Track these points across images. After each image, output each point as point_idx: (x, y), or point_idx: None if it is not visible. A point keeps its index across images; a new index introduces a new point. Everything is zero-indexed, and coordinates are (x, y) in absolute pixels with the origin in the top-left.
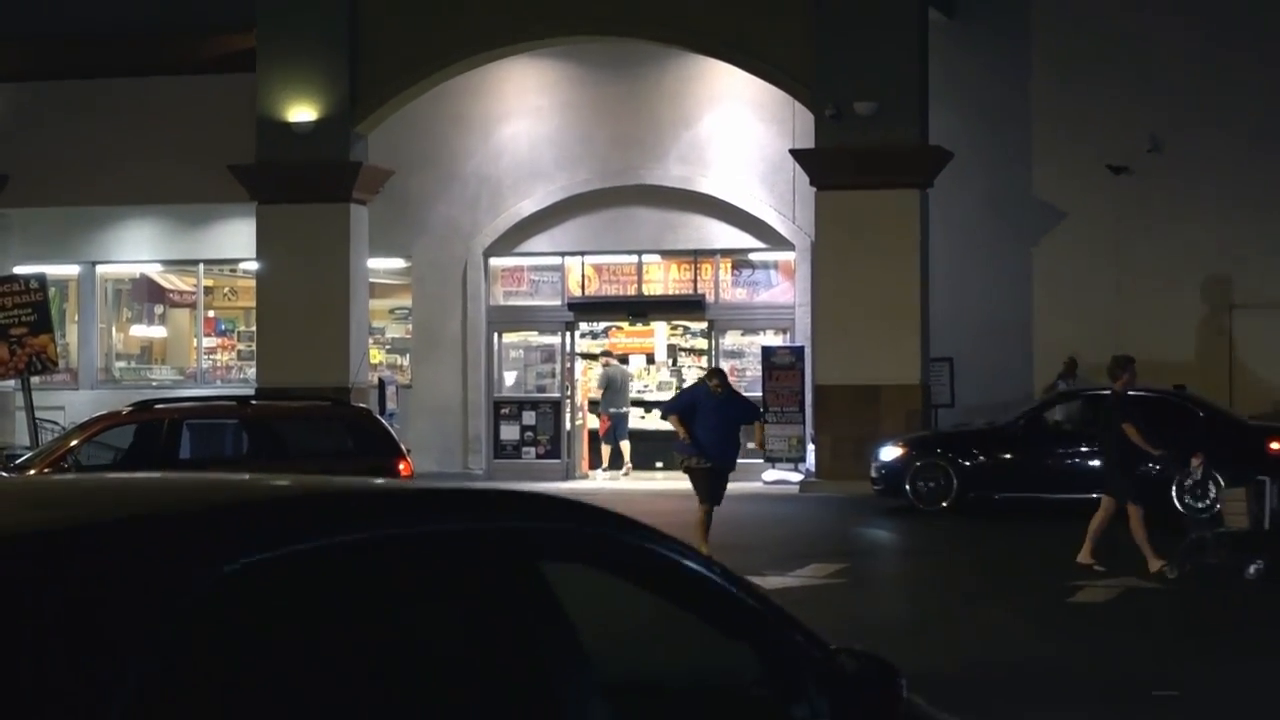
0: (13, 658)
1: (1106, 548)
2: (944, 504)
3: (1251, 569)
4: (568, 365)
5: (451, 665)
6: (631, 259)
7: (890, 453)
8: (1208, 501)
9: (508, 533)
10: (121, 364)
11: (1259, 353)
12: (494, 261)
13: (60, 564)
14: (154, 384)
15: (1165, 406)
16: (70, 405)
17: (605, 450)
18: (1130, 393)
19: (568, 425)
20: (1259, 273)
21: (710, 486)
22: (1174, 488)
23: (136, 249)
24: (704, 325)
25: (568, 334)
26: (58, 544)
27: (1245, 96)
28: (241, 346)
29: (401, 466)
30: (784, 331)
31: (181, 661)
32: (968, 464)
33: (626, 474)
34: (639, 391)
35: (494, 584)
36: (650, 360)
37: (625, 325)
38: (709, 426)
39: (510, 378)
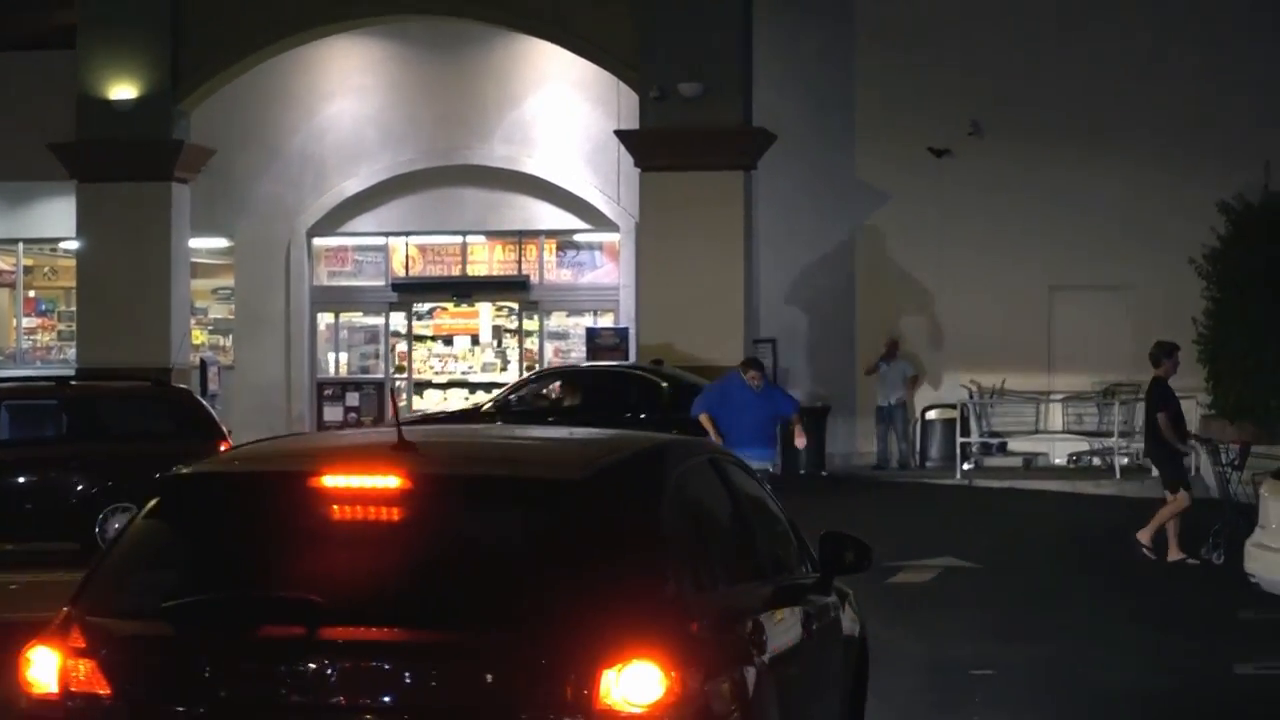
0: (629, 516)
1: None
2: None
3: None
4: (395, 346)
5: (742, 513)
6: (456, 239)
7: None
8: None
9: (716, 455)
10: None
11: (1077, 333)
12: (318, 241)
13: (633, 467)
14: None
15: (627, 378)
16: None
17: None
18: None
19: (390, 407)
20: (1077, 255)
21: None
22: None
23: None
24: (529, 306)
25: (391, 315)
26: (628, 462)
27: (1064, 80)
28: (62, 326)
29: (222, 448)
30: (609, 313)
31: (668, 510)
32: None
33: None
34: (463, 373)
35: (725, 475)
36: (475, 341)
37: (450, 306)
38: (744, 424)
39: (333, 359)
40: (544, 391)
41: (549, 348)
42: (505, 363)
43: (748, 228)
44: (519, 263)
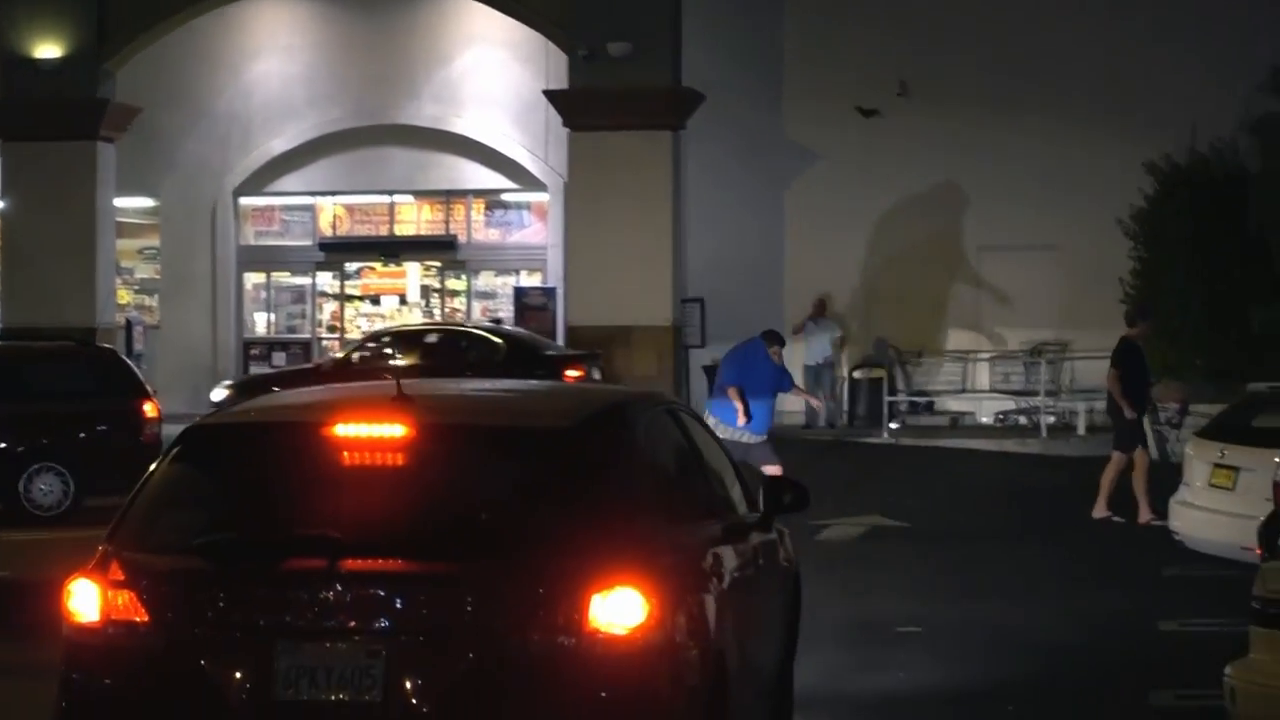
0: (609, 460)
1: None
2: None
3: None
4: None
5: (697, 457)
6: (384, 199)
7: (219, 394)
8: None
9: (672, 406)
10: None
11: (1005, 293)
12: (244, 201)
13: (611, 416)
14: None
15: (463, 337)
16: None
17: None
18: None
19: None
20: (1005, 215)
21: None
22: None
23: None
24: (456, 266)
25: (319, 274)
26: (606, 412)
27: (992, 41)
28: None
29: (147, 407)
30: (537, 272)
31: (640, 454)
32: None
33: None
34: None
35: (681, 424)
36: (403, 301)
37: (378, 266)
38: (763, 396)
39: (260, 318)
40: (385, 351)
41: (477, 307)
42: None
43: (676, 188)
44: (447, 222)
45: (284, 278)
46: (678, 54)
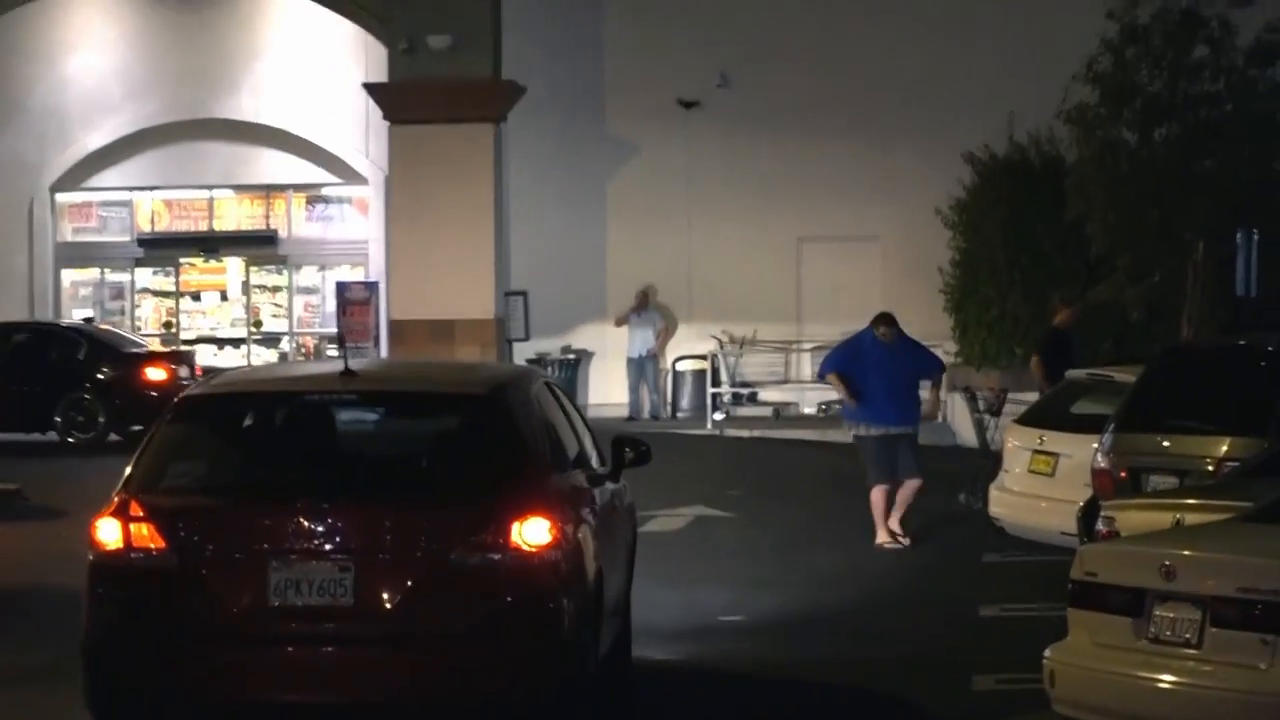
0: (517, 420)
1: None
2: None
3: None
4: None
5: (568, 420)
6: (203, 194)
7: None
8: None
9: (548, 379)
10: None
11: (826, 284)
12: (61, 197)
13: (514, 385)
14: None
15: (49, 336)
16: None
17: None
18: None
19: None
20: (825, 206)
21: (881, 459)
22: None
23: None
24: (278, 261)
25: (138, 270)
26: (510, 381)
27: (810, 32)
28: None
29: None
30: (359, 266)
31: (536, 416)
32: None
33: None
34: (210, 329)
35: (554, 393)
36: (224, 297)
37: (198, 262)
38: (876, 382)
39: (79, 315)
40: None
41: (299, 302)
42: (256, 319)
43: (498, 180)
44: (267, 217)
45: (103, 274)
46: (498, 47)
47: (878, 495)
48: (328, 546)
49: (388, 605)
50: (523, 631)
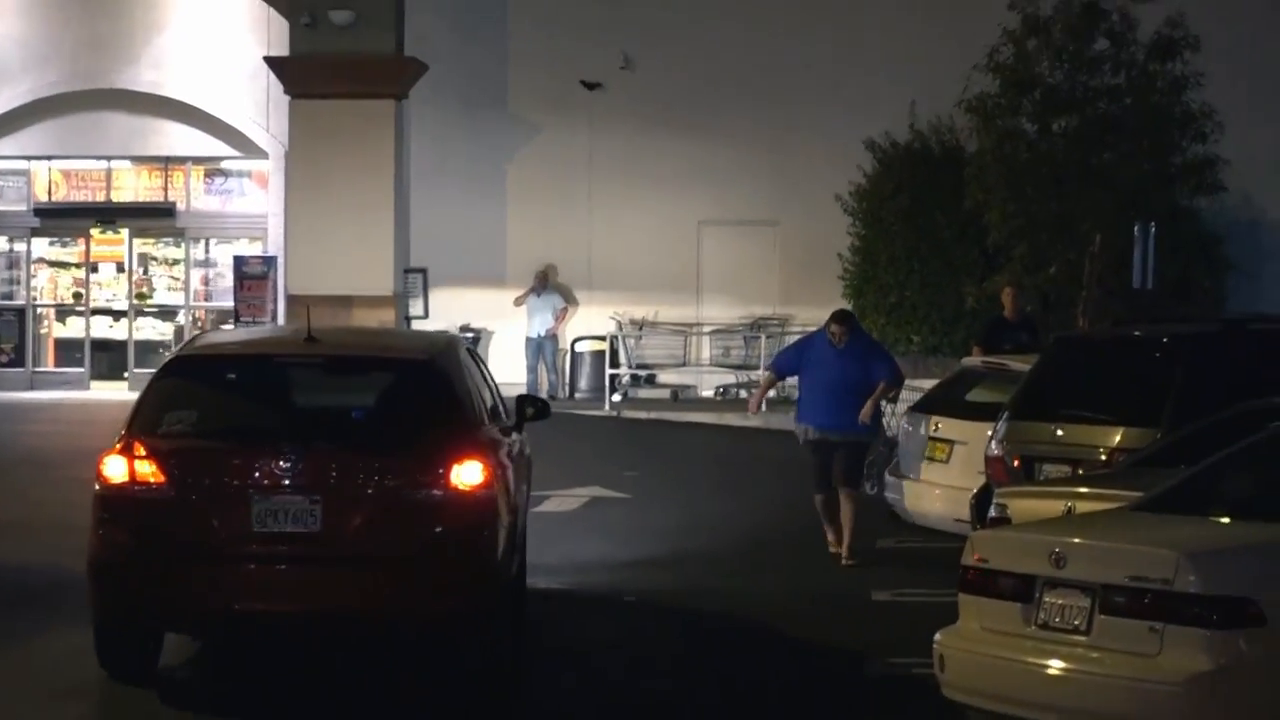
0: (453, 380)
1: None
2: None
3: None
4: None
5: (485, 380)
6: (101, 165)
7: None
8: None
9: (468, 344)
10: None
11: (726, 267)
12: None
13: (447, 350)
14: None
15: None
16: None
17: None
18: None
19: (32, 334)
20: (726, 191)
21: (813, 464)
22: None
23: None
24: (175, 233)
25: (33, 241)
26: (444, 347)
27: (713, 16)
28: None
29: None
30: (258, 240)
31: (467, 377)
32: None
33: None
34: (107, 300)
35: (474, 356)
36: (120, 269)
37: (95, 233)
38: (816, 383)
39: None
40: None
41: (196, 275)
42: (152, 290)
43: (399, 157)
44: (166, 189)
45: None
46: (401, 22)
47: (817, 503)
48: (300, 483)
49: (349, 533)
50: (459, 556)
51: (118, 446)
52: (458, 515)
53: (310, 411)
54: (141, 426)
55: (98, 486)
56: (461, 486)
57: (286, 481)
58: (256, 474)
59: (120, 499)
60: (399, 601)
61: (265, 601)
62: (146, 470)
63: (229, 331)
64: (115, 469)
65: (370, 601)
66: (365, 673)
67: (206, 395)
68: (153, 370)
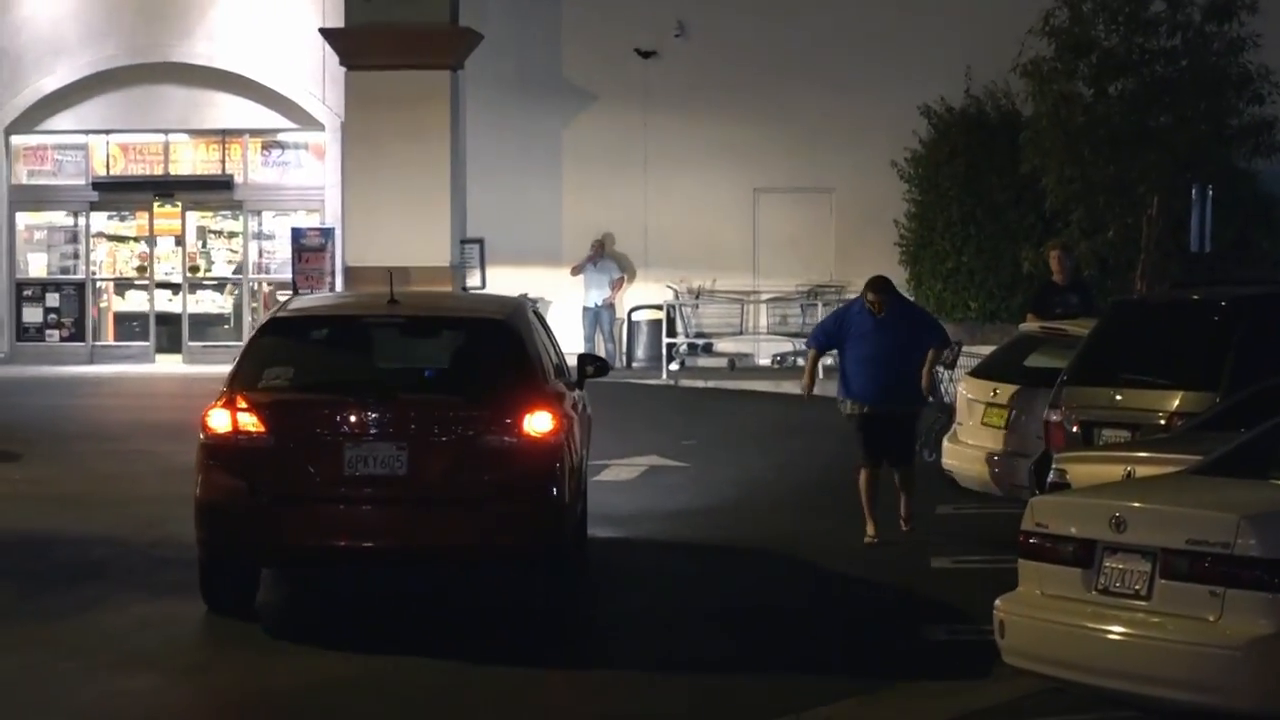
0: (527, 338)
1: None
2: None
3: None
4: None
5: (550, 339)
6: (159, 138)
7: None
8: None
9: (534, 310)
10: None
11: (781, 235)
12: (16, 140)
13: (519, 311)
14: None
15: None
16: None
17: None
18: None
19: (91, 308)
20: (781, 157)
21: (861, 439)
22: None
23: None
24: (233, 206)
25: (92, 215)
26: (516, 308)
27: None
28: None
29: None
30: (315, 212)
31: (538, 336)
32: None
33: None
34: (165, 274)
35: (540, 317)
36: (179, 242)
37: (156, 206)
38: (860, 356)
39: (36, 260)
40: None
41: (254, 248)
42: (210, 263)
43: (455, 127)
44: (223, 162)
45: (57, 217)
46: None
47: (861, 479)
48: (388, 431)
49: (432, 476)
50: (531, 496)
51: (221, 400)
52: (529, 460)
53: (395, 366)
54: (242, 382)
55: (202, 436)
56: (533, 434)
57: (375, 430)
58: (348, 424)
59: (224, 447)
60: (477, 537)
61: (356, 539)
62: (248, 421)
63: (318, 295)
64: (219, 420)
65: (451, 538)
66: (446, 604)
67: (300, 353)
68: (209, 344)
